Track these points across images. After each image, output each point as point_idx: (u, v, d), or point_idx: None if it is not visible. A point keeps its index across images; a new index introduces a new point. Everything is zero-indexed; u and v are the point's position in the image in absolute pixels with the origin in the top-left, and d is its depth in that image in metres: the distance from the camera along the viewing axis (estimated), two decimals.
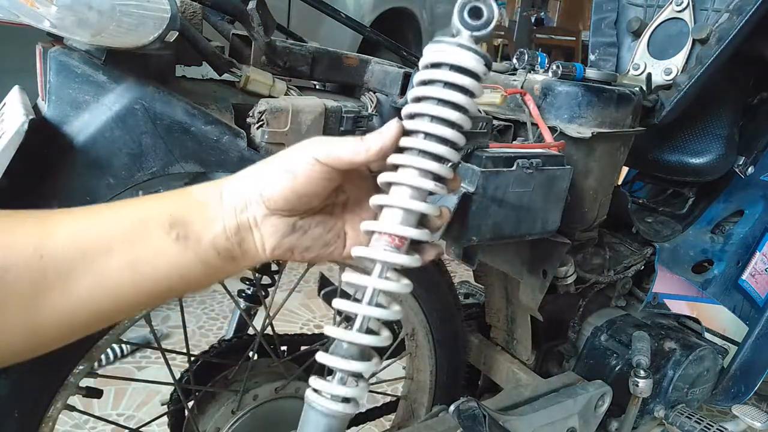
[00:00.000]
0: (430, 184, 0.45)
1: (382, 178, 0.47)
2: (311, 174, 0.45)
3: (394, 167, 0.46)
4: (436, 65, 0.45)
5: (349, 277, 0.47)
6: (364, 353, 0.46)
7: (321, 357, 0.46)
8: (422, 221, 0.47)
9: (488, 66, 0.45)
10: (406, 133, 0.46)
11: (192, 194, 0.46)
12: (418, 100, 0.45)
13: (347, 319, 0.47)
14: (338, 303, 0.47)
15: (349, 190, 0.50)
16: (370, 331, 0.46)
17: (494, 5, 0.43)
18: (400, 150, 0.46)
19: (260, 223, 0.45)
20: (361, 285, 0.46)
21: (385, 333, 0.46)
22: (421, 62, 0.47)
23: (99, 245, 0.42)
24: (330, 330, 0.46)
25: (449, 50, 0.44)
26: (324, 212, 0.49)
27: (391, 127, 0.45)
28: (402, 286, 0.46)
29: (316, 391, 0.46)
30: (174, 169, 0.62)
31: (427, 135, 0.45)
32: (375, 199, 0.47)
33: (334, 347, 0.46)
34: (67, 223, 0.43)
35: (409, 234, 0.45)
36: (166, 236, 0.43)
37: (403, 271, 0.47)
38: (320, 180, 0.45)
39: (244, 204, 0.45)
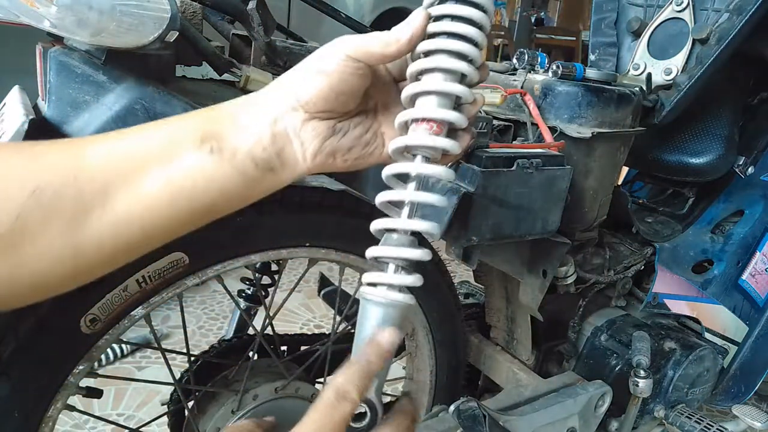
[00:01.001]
0: (462, 65, 0.44)
1: (413, 67, 0.46)
2: (345, 70, 0.44)
3: (424, 54, 0.45)
4: None
5: (391, 168, 0.46)
6: (413, 243, 0.45)
7: (373, 251, 0.45)
8: (457, 107, 0.46)
9: None
10: (429, 36, 0.45)
11: (223, 108, 0.45)
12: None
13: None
14: (383, 196, 0.46)
15: (378, 96, 0.49)
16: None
17: None
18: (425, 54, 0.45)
19: (299, 129, 0.45)
20: (406, 171, 0.45)
21: (434, 222, 0.45)
22: None
23: (133, 164, 0.42)
24: (379, 222, 0.45)
25: None
26: (360, 115, 0.48)
27: (418, 15, 0.45)
28: (446, 171, 0.45)
29: (371, 285, 0.45)
30: None
31: (454, 17, 0.44)
32: (409, 89, 0.45)
33: (384, 241, 0.45)
34: (99, 145, 0.42)
35: (447, 117, 0.44)
36: (200, 150, 0.43)
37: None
38: (354, 76, 0.44)
39: (279, 112, 0.44)
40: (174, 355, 0.97)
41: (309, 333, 1.13)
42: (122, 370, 1.74)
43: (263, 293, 1.12)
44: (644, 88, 1.02)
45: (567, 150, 0.89)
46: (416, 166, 0.44)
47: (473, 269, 1.09)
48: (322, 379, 1.01)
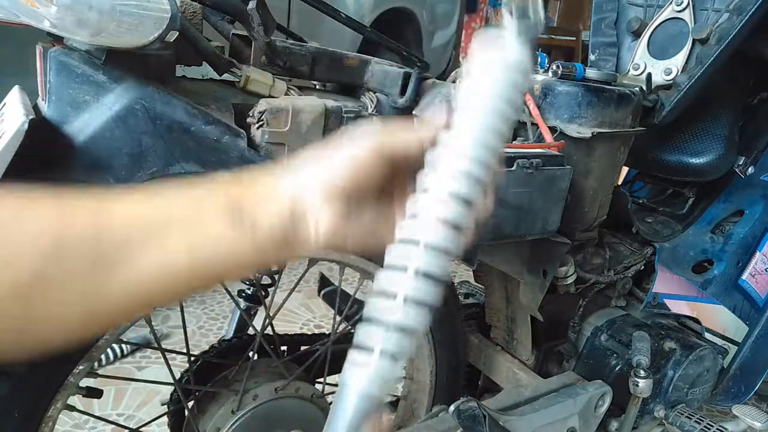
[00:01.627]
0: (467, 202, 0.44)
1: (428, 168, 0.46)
2: (370, 163, 0.45)
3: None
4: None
5: (390, 259, 0.45)
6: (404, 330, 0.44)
7: (359, 334, 0.43)
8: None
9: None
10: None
11: (249, 180, 0.46)
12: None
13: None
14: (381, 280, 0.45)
15: (395, 184, 0.50)
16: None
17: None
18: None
19: (317, 210, 0.45)
20: (403, 266, 0.44)
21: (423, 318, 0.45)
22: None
23: (157, 225, 0.42)
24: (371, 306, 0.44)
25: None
26: (376, 202, 0.49)
27: (441, 115, 0.46)
28: (444, 268, 0.45)
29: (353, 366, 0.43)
30: (174, 169, 0.62)
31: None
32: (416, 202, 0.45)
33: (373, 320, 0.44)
34: (125, 203, 0.43)
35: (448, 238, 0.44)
36: (223, 220, 0.43)
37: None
38: (378, 168, 0.45)
39: (301, 190, 0.45)
40: (174, 355, 0.98)
41: (309, 333, 1.13)
42: (122, 370, 1.74)
43: (263, 293, 1.12)
44: (644, 88, 1.02)
45: (567, 150, 0.89)
46: (413, 263, 0.43)
47: (473, 269, 1.09)
48: (322, 379, 1.01)
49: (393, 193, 0.50)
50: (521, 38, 0.44)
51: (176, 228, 0.43)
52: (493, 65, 0.44)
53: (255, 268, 0.47)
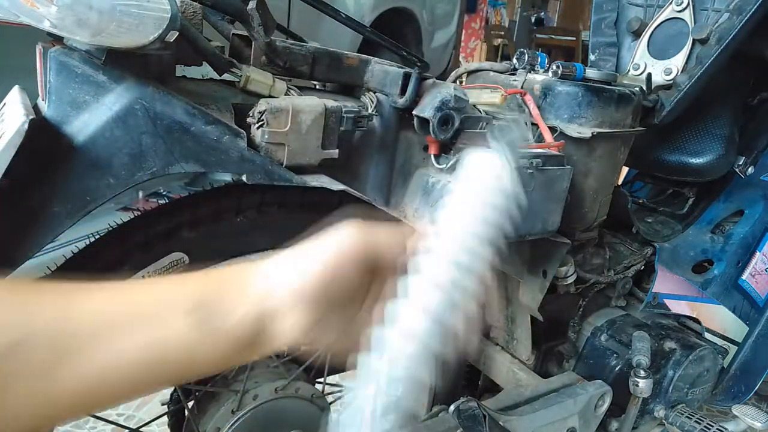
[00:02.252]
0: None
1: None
2: (345, 267, 0.43)
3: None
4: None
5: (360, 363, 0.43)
6: None
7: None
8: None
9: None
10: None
11: (214, 279, 0.45)
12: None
13: None
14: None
15: (371, 288, 0.48)
16: None
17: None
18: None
19: (285, 314, 0.43)
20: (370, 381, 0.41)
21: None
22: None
23: (121, 320, 0.42)
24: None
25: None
26: (349, 302, 0.46)
27: (424, 222, 0.46)
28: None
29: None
30: (174, 169, 0.62)
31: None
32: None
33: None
34: (93, 295, 0.42)
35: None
36: (186, 320, 0.42)
37: None
38: (352, 273, 0.43)
39: (269, 292, 0.44)
40: None
41: None
42: None
43: None
44: (644, 88, 1.02)
45: (567, 150, 0.89)
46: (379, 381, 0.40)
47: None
48: (322, 379, 1.01)
49: (367, 296, 0.48)
50: (504, 160, 0.43)
51: (139, 325, 0.42)
52: (479, 187, 0.44)
53: (214, 369, 0.45)
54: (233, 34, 0.80)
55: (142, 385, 0.43)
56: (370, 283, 0.46)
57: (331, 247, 0.44)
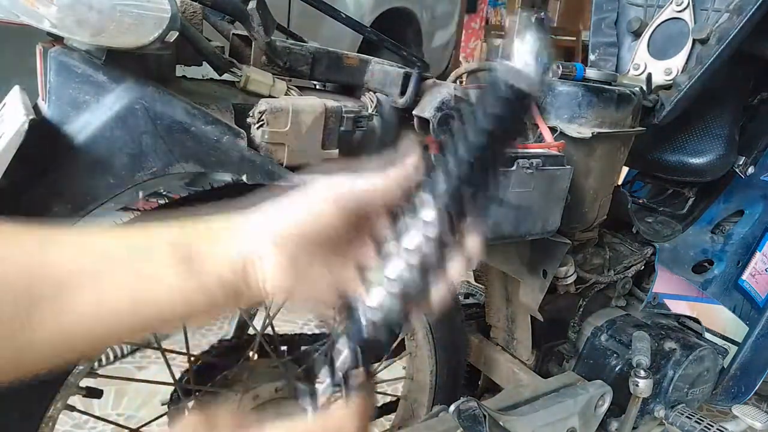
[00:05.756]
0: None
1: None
2: (327, 214, 0.43)
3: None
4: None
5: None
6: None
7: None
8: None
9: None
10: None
11: (201, 224, 0.45)
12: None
13: None
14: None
15: (355, 231, 0.47)
16: None
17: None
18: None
19: (264, 260, 0.43)
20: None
21: None
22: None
23: (100, 262, 0.41)
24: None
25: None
26: (333, 250, 0.46)
27: (411, 161, 0.44)
28: None
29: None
30: (174, 169, 0.62)
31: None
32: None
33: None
34: (70, 238, 0.42)
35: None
36: (169, 261, 0.42)
37: None
38: (335, 220, 0.43)
39: (252, 238, 0.44)
40: (174, 355, 0.98)
41: (309, 333, 1.13)
42: (122, 370, 1.74)
43: None
44: (644, 88, 1.02)
45: (567, 150, 0.89)
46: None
47: (473, 269, 1.09)
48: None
49: (352, 244, 0.47)
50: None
51: (119, 266, 0.41)
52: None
53: (206, 313, 0.45)
54: (233, 34, 0.80)
55: (129, 328, 0.42)
56: (354, 236, 0.46)
57: (311, 196, 0.44)
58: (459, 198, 0.41)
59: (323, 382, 0.44)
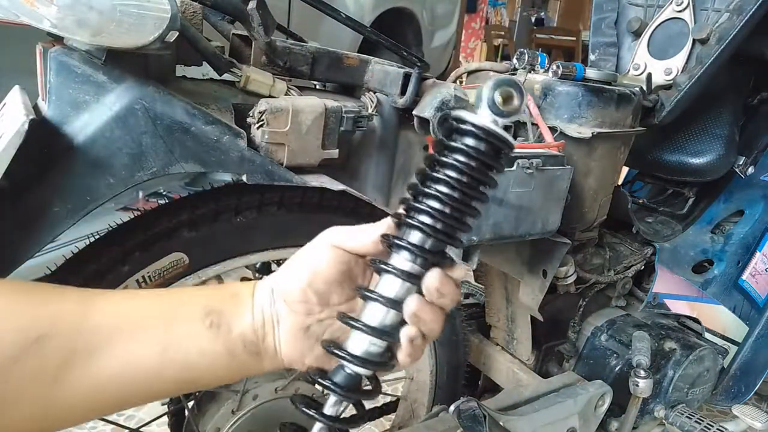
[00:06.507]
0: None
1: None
2: (325, 258, 0.46)
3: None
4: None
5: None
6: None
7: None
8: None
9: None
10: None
11: (227, 288, 0.48)
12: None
13: None
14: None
15: (350, 297, 0.50)
16: None
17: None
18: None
19: (281, 320, 0.47)
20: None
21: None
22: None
23: (136, 320, 0.43)
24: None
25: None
26: (332, 318, 0.49)
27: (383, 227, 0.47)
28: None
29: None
30: (174, 169, 0.62)
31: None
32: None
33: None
34: (110, 297, 0.44)
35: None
36: (200, 322, 0.45)
37: None
38: (333, 264, 0.46)
39: (270, 299, 0.47)
40: None
41: None
42: None
43: None
44: (644, 88, 1.02)
45: (567, 150, 0.89)
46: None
47: (473, 269, 1.09)
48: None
49: (343, 289, 0.50)
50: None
51: (153, 325, 0.43)
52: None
53: (225, 377, 0.47)
54: (233, 34, 0.80)
55: (155, 390, 0.44)
56: (350, 278, 0.49)
57: (310, 247, 0.48)
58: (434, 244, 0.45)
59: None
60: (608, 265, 1.11)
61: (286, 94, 0.74)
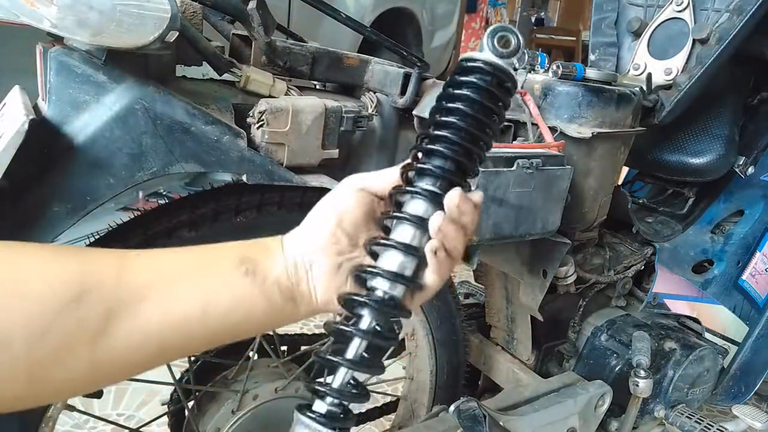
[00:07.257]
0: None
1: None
2: (349, 198, 0.49)
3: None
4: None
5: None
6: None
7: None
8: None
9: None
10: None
11: (257, 241, 0.50)
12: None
13: None
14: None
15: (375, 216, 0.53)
16: None
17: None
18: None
19: (313, 264, 0.49)
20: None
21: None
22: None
23: (174, 272, 0.45)
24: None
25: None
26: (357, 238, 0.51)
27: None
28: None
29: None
30: (174, 169, 0.62)
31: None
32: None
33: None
34: (147, 253, 0.45)
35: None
36: (236, 270, 0.46)
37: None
38: (358, 206, 0.49)
39: (300, 247, 0.49)
40: None
41: (309, 333, 1.13)
42: None
43: None
44: (644, 88, 1.02)
45: (567, 150, 0.89)
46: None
47: (473, 269, 1.09)
48: (322, 379, 1.01)
49: (367, 227, 0.52)
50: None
51: (191, 276, 0.45)
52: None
53: (265, 323, 0.49)
54: (233, 34, 0.80)
55: (198, 339, 0.46)
56: (372, 219, 0.51)
57: (335, 197, 0.50)
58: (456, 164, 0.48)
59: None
60: (608, 265, 1.11)
61: (286, 94, 0.74)
